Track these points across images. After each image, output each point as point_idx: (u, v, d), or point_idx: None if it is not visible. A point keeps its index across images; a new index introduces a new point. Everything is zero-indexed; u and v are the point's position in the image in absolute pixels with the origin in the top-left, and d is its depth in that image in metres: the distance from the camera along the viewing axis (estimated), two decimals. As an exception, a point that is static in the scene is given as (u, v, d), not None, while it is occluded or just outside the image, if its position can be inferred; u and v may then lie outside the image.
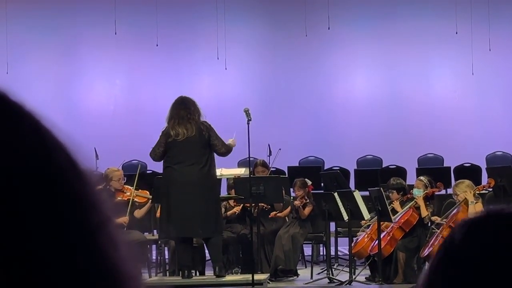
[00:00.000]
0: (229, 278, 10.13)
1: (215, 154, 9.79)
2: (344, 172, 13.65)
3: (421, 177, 11.12)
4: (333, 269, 11.04)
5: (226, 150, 9.77)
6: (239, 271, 11.10)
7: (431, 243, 10.22)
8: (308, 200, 11.33)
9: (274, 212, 11.43)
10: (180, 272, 9.91)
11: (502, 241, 1.12)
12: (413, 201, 10.72)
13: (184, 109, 9.70)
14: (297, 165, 14.92)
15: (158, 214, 11.15)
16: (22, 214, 0.66)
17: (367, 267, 10.82)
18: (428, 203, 10.73)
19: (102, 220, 0.71)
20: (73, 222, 0.68)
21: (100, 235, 0.70)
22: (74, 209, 0.69)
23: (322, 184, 12.89)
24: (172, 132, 9.65)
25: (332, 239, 12.30)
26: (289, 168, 14.00)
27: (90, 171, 0.76)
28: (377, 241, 10.30)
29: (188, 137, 9.60)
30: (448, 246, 1.14)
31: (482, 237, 1.13)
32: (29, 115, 0.70)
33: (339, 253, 12.62)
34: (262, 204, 11.18)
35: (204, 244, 10.21)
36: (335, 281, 10.57)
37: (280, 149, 12.55)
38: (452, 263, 1.12)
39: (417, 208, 10.66)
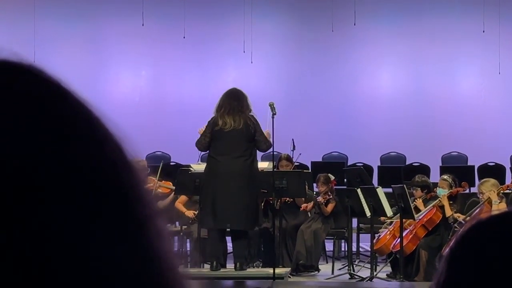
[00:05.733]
0: (250, 271, 10.14)
1: None
2: (368, 169, 13.61)
3: (445, 176, 11.03)
4: (354, 265, 11.02)
5: (267, 146, 9.87)
6: (260, 264, 11.11)
7: (453, 241, 10.17)
8: (331, 196, 11.32)
9: (305, 205, 11.38)
10: (210, 264, 9.93)
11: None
12: (437, 200, 10.66)
13: (236, 100, 9.74)
14: (321, 160, 14.90)
15: (176, 205, 11.20)
16: (73, 205, 0.65)
17: (389, 264, 10.79)
18: (451, 202, 10.66)
19: (149, 213, 0.71)
20: (123, 214, 0.68)
21: (149, 228, 0.69)
22: (124, 202, 0.68)
23: (345, 180, 12.86)
24: (220, 121, 9.67)
25: (354, 235, 12.29)
26: (312, 163, 13.99)
27: (137, 163, 0.77)
28: (399, 239, 10.28)
29: (235, 128, 9.62)
30: (462, 242, 1.15)
31: (496, 235, 1.14)
32: (82, 104, 0.69)
33: (360, 249, 12.62)
34: (285, 197, 11.18)
35: (231, 237, 10.17)
36: (356, 277, 10.55)
37: (300, 154, 12.56)
38: (466, 258, 1.13)
39: (441, 207, 10.61)
